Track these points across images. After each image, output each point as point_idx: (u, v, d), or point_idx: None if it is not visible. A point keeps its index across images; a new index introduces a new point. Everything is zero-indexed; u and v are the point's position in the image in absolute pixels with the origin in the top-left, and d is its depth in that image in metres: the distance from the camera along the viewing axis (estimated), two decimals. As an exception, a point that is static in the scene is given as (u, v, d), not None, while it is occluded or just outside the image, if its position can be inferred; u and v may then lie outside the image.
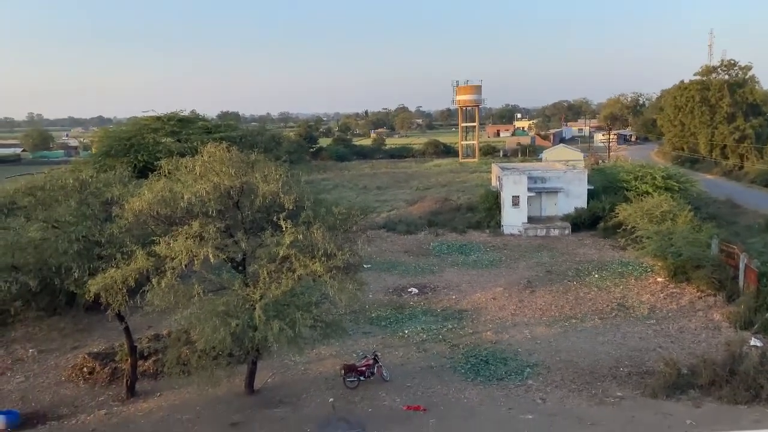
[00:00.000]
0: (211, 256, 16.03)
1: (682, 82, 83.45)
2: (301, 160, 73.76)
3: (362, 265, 27.36)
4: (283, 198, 17.04)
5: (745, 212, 47.87)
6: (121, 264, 16.82)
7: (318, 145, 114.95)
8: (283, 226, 16.55)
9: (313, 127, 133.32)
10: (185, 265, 16.42)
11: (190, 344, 17.68)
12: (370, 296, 28.99)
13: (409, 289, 30.98)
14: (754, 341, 21.97)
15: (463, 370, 21.20)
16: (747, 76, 75.87)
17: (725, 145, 73.68)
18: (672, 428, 16.74)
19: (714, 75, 77.60)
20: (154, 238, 17.12)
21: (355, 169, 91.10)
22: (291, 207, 17.01)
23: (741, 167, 70.83)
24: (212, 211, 17.01)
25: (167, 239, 16.61)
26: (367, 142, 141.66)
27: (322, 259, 16.33)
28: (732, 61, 77.39)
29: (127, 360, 20.57)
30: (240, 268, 18.30)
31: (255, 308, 16.01)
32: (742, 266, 27.11)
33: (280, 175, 17.71)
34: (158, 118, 46.52)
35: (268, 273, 16.53)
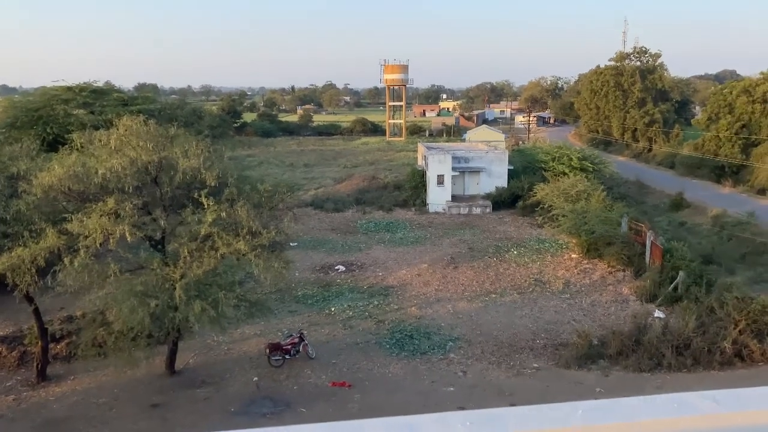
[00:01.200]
0: (127, 234, 15.43)
1: (598, 67, 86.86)
2: (225, 135, 71.49)
3: (288, 244, 27.19)
4: (204, 174, 16.59)
5: (652, 192, 50.91)
6: (29, 242, 15.90)
7: (242, 121, 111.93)
8: (205, 203, 16.12)
9: (237, 101, 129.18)
10: (100, 244, 15.73)
11: (106, 325, 17.01)
12: (297, 274, 28.83)
13: (336, 267, 31.03)
14: (657, 313, 23.55)
15: (388, 346, 21.57)
16: (657, 63, 79.96)
17: (636, 129, 77.67)
18: (582, 396, 17.76)
19: (627, 61, 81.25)
20: (66, 215, 16.25)
21: (282, 145, 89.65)
22: (213, 184, 16.60)
23: (650, 150, 75.02)
24: (129, 188, 16.35)
25: (80, 216, 15.81)
26: (293, 118, 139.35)
27: (247, 237, 16.08)
28: (643, 48, 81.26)
29: (37, 343, 19.54)
30: (159, 246, 17.73)
31: (175, 288, 15.59)
32: (648, 243, 28.89)
33: (202, 150, 17.22)
34: (69, 89, 43.70)
35: (189, 252, 16.12)
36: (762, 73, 59.75)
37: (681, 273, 25.32)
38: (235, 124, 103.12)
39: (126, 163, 16.32)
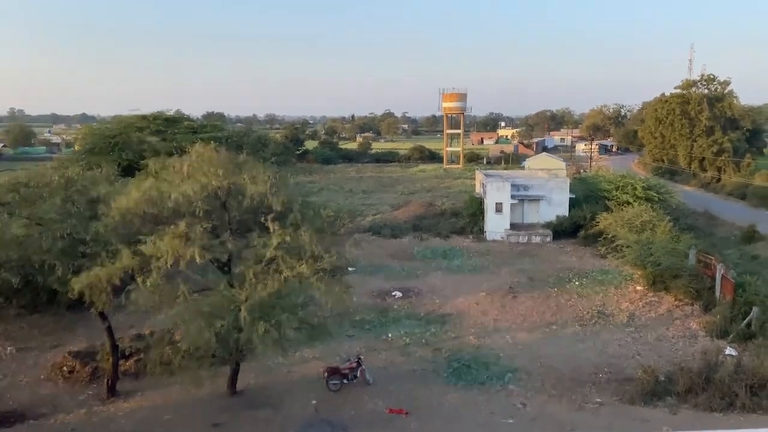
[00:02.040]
0: (197, 256, 16.04)
1: (662, 94, 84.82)
2: (288, 162, 73.59)
3: (347, 269, 27.56)
4: (271, 199, 17.12)
5: (722, 224, 48.82)
6: (106, 262, 16.76)
7: (304, 148, 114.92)
8: (271, 227, 16.62)
9: (300, 129, 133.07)
10: (171, 265, 16.41)
11: (173, 344, 17.64)
12: (355, 299, 28.87)
13: (394, 293, 31.15)
14: (729, 350, 22.45)
15: (445, 374, 21.39)
16: (726, 91, 77.35)
17: (704, 158, 75.02)
18: (649, 434, 17.08)
19: (694, 89, 78.99)
20: (140, 237, 17.08)
21: (341, 172, 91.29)
22: (279, 209, 17.10)
23: (718, 180, 72.15)
24: (199, 212, 17.02)
25: (153, 238, 16.59)
26: (353, 146, 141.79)
27: (309, 261, 16.43)
28: (711, 76, 78.90)
29: (108, 359, 20.44)
30: (226, 269, 18.32)
31: (240, 309, 16.06)
32: (718, 277, 27.69)
33: (269, 176, 17.80)
34: (144, 117, 46.25)
35: (254, 274, 16.58)
36: (842, 100, 56.75)
37: (755, 309, 24.12)
38: (298, 152, 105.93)
39: (197, 188, 17.05)
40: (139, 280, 16.28)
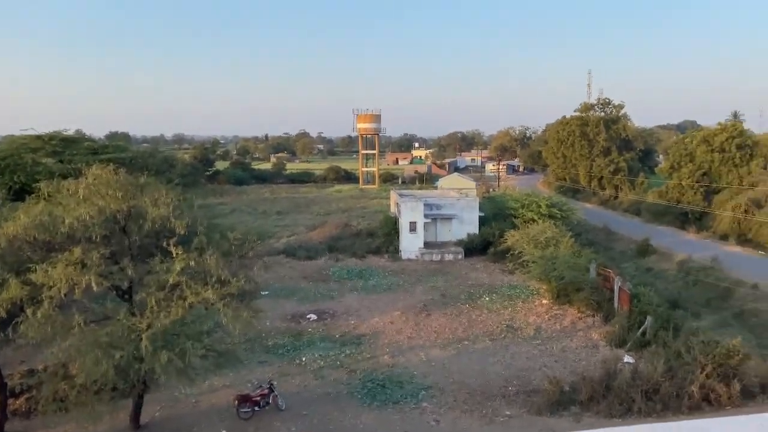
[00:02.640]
0: (94, 284, 15.17)
1: (564, 117, 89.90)
2: (196, 183, 71.34)
3: (259, 292, 26.92)
4: (174, 223, 16.50)
5: (619, 239, 51.99)
6: (-11, 293, 15.48)
7: (215, 169, 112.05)
8: (174, 252, 16.00)
9: (210, 149, 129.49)
10: (65, 294, 15.40)
11: (68, 379, 16.50)
12: (268, 324, 28.46)
13: (308, 316, 30.74)
14: (627, 358, 23.74)
15: (359, 395, 21.26)
16: (620, 114, 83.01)
17: (602, 177, 79.86)
18: (555, 443, 17.67)
19: (592, 112, 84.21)
20: (30, 265, 15.93)
21: (254, 193, 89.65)
22: (182, 232, 16.50)
23: (616, 197, 76.99)
24: (96, 237, 16.14)
25: (45, 266, 15.53)
26: (266, 166, 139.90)
27: (216, 286, 15.92)
28: (607, 100, 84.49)
29: (-6, 399, 18.80)
30: (126, 296, 17.43)
31: (141, 339, 15.27)
32: (616, 289, 29.35)
33: (172, 198, 17.17)
34: (38, 137, 43.39)
35: (156, 301, 15.86)
36: (719, 123, 62.47)
37: (649, 318, 25.71)
38: (208, 173, 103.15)
39: (94, 212, 16.18)
40: (28, 311, 15.15)
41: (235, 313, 16.11)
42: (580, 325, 28.98)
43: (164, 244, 16.39)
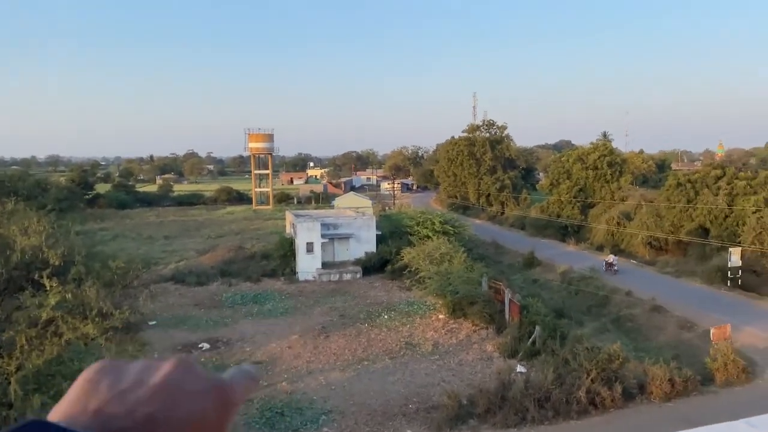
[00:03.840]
0: (-50, 324, 13.53)
1: (452, 137, 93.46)
2: (74, 208, 66.56)
3: (146, 323, 25.35)
4: (47, 252, 15.16)
5: (508, 252, 54.41)
6: None
7: (95, 192, 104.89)
8: (47, 284, 14.65)
9: (89, 171, 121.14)
10: None
11: None
12: (156, 356, 26.71)
13: (200, 345, 29.29)
14: (519, 368, 24.70)
15: (257, 426, 20.48)
16: (504, 134, 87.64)
17: (489, 194, 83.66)
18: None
19: (478, 132, 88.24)
20: None
21: (139, 217, 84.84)
22: (57, 262, 15.19)
23: (503, 213, 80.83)
24: (-46, 271, 14.45)
25: None
26: (152, 188, 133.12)
27: (96, 319, 14.75)
28: (492, 121, 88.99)
29: None
30: (-9, 336, 15.69)
31: (10, 382, 13.78)
32: (507, 301, 30.59)
33: (45, 226, 15.79)
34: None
35: (27, 340, 14.41)
36: (591, 143, 67.62)
37: (537, 328, 26.96)
38: (87, 196, 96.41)
39: (-50, 243, 14.50)
40: None
41: (118, 348, 15.03)
42: (475, 338, 29.83)
43: (36, 276, 14.99)
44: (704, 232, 46.03)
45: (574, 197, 61.39)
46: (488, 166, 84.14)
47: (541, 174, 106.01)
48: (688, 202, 47.48)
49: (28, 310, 14.78)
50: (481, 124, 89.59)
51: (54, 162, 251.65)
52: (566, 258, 48.89)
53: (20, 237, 15.15)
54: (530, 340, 26.83)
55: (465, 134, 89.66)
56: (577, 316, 32.97)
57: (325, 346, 28.99)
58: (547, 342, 26.18)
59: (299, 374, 25.47)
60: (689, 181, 49.32)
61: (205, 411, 0.72)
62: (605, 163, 62.22)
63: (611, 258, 44.81)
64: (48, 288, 14.55)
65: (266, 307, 36.76)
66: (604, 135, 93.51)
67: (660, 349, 27.12)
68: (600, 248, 53.16)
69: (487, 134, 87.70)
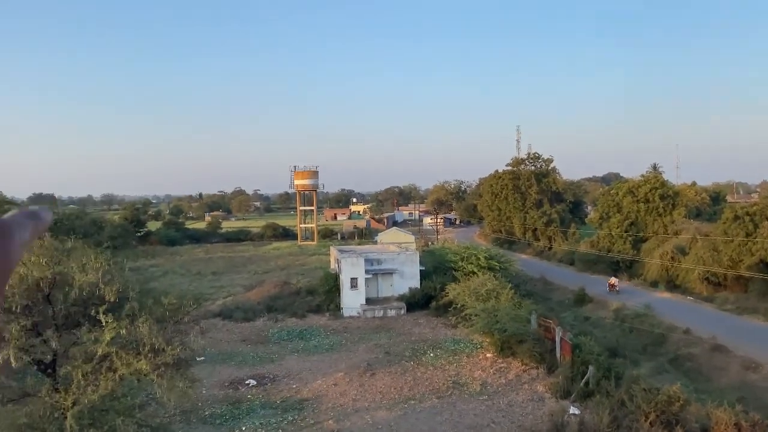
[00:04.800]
0: (12, 359, 13.96)
1: (496, 171, 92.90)
2: (127, 245, 68.66)
3: (195, 359, 25.58)
4: (103, 289, 15.56)
5: (557, 288, 53.13)
6: None
7: (146, 229, 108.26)
8: (103, 320, 14.99)
9: (141, 209, 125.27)
10: (-22, 372, 14.07)
11: (-21, 468, 14.87)
12: (204, 392, 26.95)
13: (247, 381, 29.37)
14: (573, 410, 23.77)
15: (304, 465, 20.20)
16: (549, 167, 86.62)
17: (536, 228, 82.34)
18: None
19: (523, 166, 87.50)
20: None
21: (188, 254, 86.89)
22: (113, 299, 15.55)
23: (550, 248, 79.27)
24: (16, 307, 14.95)
25: (-45, 342, 14.17)
26: (201, 225, 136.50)
27: (149, 355, 14.96)
28: (537, 154, 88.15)
29: None
30: (49, 371, 16.09)
31: (66, 417, 14.03)
32: (558, 339, 29.68)
33: (101, 263, 16.24)
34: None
35: (83, 375, 14.71)
36: (642, 175, 66.05)
37: (591, 367, 25.99)
38: (139, 234, 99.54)
39: (14, 280, 15.03)
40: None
41: (169, 383, 15.15)
42: (525, 378, 28.97)
43: (93, 312, 15.37)
44: (766, 266, 43.95)
45: (625, 231, 59.78)
46: (534, 199, 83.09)
47: (589, 207, 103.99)
48: (747, 235, 45.51)
49: (84, 346, 15.13)
50: (525, 157, 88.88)
51: (108, 200, 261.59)
52: (619, 295, 47.39)
53: (78, 274, 15.62)
54: (583, 380, 25.87)
55: (509, 168, 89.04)
56: (633, 356, 31.69)
57: (370, 383, 28.63)
58: (601, 382, 25.18)
59: (345, 412, 25.16)
60: (747, 213, 47.37)
61: None
62: (657, 196, 60.54)
63: (614, 280, 50.46)
64: (104, 324, 14.89)
65: (312, 343, 36.73)
66: (654, 167, 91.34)
67: (723, 391, 25.70)
68: (654, 284, 51.37)
69: (533, 167, 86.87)
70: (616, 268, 58.34)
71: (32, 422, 14.09)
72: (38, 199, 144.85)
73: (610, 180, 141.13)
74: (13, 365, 14.29)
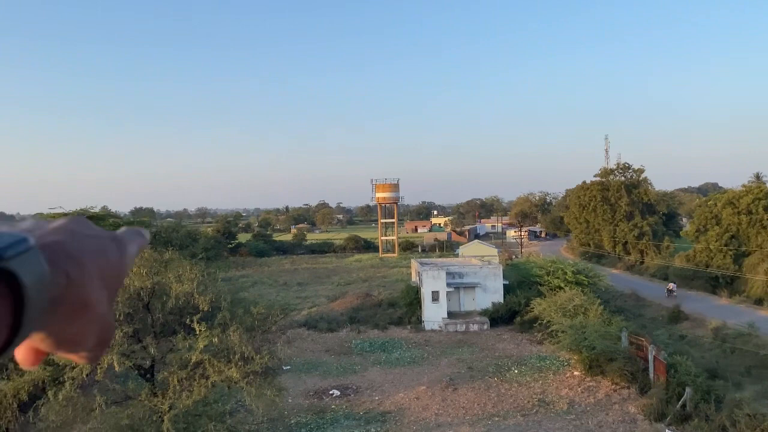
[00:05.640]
0: (116, 363, 14.93)
1: (584, 182, 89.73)
2: (219, 256, 71.90)
3: (282, 368, 26.37)
4: (197, 298, 16.39)
5: (649, 305, 50.52)
6: (13, 375, 15.30)
7: (237, 241, 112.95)
8: (197, 328, 15.77)
9: (232, 222, 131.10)
10: (86, 375, 15.15)
11: (87, 464, 15.98)
12: (290, 401, 27.64)
13: (331, 392, 29.87)
14: (668, 433, 22.49)
15: (387, 478, 20.24)
16: (641, 178, 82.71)
17: (626, 241, 78.74)
18: None
19: (612, 176, 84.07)
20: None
21: (275, 264, 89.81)
22: (206, 308, 16.35)
23: (642, 262, 75.53)
24: (119, 315, 16.02)
25: (67, 346, 15.35)
26: (287, 237, 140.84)
27: (239, 363, 15.56)
28: (627, 164, 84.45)
29: (11, 486, 18.22)
30: (148, 375, 17.09)
31: (163, 420, 14.84)
32: (651, 358, 28.19)
33: (196, 274, 17.12)
34: (65, 215, 44.35)
35: (178, 380, 15.51)
36: (744, 185, 61.82)
37: (688, 389, 24.50)
38: (230, 245, 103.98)
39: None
40: (50, 392, 14.87)
41: (258, 391, 15.68)
42: (615, 398, 27.70)
43: (188, 320, 16.22)
44: None
45: (725, 245, 56.00)
46: (624, 211, 79.54)
47: (684, 220, 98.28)
48: None
49: (180, 353, 15.97)
50: (615, 167, 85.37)
51: (202, 214, 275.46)
52: (718, 312, 44.40)
53: (175, 284, 16.53)
54: (680, 402, 24.40)
55: (597, 179, 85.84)
56: (735, 378, 29.53)
57: (453, 398, 28.34)
58: (699, 405, 23.68)
59: (428, 427, 25.01)
60: None
61: (108, 248, 0.80)
62: (761, 207, 56.35)
63: (671, 285, 52.76)
64: (198, 332, 15.67)
65: (394, 355, 36.85)
66: (757, 176, 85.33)
67: (842, 421, 23.43)
68: (759, 302, 47.76)
69: (622, 178, 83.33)
70: (715, 284, 54.77)
71: (133, 424, 14.97)
72: (138, 212, 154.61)
73: (707, 191, 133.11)
74: (116, 369, 15.27)
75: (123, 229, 0.92)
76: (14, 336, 0.64)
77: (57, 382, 15.13)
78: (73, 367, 14.95)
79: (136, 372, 17.22)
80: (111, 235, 0.85)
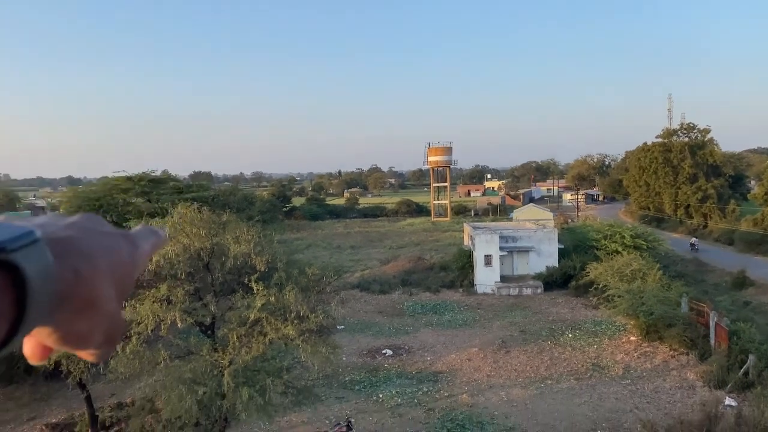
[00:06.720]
0: (178, 320, 15.57)
1: (645, 143, 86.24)
2: (274, 219, 73.39)
3: (336, 327, 26.96)
4: (254, 259, 16.82)
5: (711, 270, 48.76)
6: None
7: (291, 205, 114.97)
8: (255, 288, 16.23)
9: (287, 186, 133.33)
10: (151, 330, 15.90)
11: (154, 413, 16.94)
12: (344, 359, 28.34)
13: (384, 351, 30.43)
14: (728, 401, 21.91)
15: (439, 436, 20.61)
16: (706, 139, 78.88)
17: (689, 205, 75.76)
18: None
19: (675, 137, 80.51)
20: (120, 301, 16.59)
21: (329, 228, 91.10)
22: (263, 268, 16.77)
23: (705, 226, 72.64)
24: (181, 274, 16.65)
25: (133, 303, 16.12)
26: (340, 201, 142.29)
27: (295, 322, 15.98)
28: (691, 124, 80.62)
29: (87, 431, 19.55)
30: (209, 332, 17.78)
31: (224, 374, 15.48)
32: (712, 324, 27.36)
33: (252, 235, 17.54)
34: (129, 178, 45.97)
35: (237, 337, 16.08)
36: (819, 145, 58.01)
37: (751, 356, 23.71)
38: (285, 209, 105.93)
39: (179, 249, 16.73)
40: (118, 346, 15.72)
41: (313, 349, 16.09)
42: (673, 364, 27.12)
43: (245, 280, 16.71)
44: None
45: (797, 208, 53.17)
46: (687, 174, 76.29)
47: (753, 182, 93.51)
48: None
49: (238, 311, 16.52)
50: (678, 128, 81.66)
51: (258, 178, 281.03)
52: (698, 253, 42.48)
53: (233, 245, 17.01)
54: (742, 370, 23.67)
55: (659, 140, 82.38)
56: (803, 347, 28.35)
57: (505, 360, 28.39)
58: (763, 373, 22.92)
59: (479, 388, 25.21)
60: None
61: (120, 246, 0.80)
62: (837, 169, 53.05)
63: (694, 240, 58.03)
64: (255, 291, 16.15)
65: (445, 317, 37.08)
66: (836, 136, 79.90)
67: None
68: (832, 268, 45.38)
69: (686, 139, 79.70)
70: (784, 249, 52.25)
71: (195, 377, 15.68)
72: (197, 176, 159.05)
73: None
74: (179, 325, 15.95)
75: (138, 227, 0.91)
76: (16, 329, 0.62)
77: (124, 336, 15.97)
78: (139, 323, 15.73)
79: (198, 328, 17.95)
80: (123, 234, 0.85)
